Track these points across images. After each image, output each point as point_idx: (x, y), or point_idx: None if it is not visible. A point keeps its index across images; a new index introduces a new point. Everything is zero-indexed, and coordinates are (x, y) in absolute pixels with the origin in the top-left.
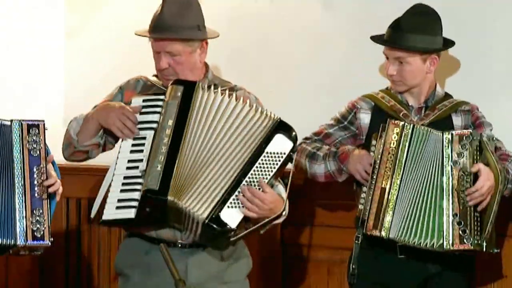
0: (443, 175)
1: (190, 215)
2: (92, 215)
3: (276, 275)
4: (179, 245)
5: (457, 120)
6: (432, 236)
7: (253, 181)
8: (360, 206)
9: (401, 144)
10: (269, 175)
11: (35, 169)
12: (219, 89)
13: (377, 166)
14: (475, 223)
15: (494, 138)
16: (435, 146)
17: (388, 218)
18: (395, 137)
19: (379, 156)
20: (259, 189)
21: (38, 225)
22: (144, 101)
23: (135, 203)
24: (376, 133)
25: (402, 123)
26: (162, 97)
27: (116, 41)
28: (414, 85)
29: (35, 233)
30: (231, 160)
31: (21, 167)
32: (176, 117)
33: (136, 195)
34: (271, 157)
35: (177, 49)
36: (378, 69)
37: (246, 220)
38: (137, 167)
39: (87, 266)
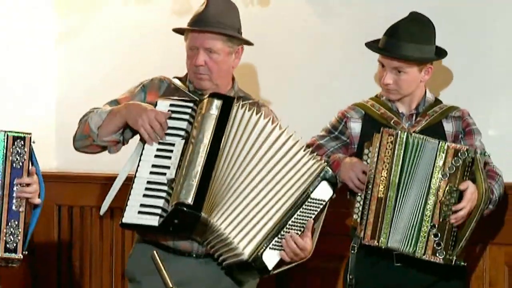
0: (430, 184)
1: (226, 242)
2: (102, 212)
3: (270, 284)
4: (194, 255)
5: (448, 126)
6: (410, 242)
7: (295, 226)
8: (355, 216)
9: (395, 153)
10: (307, 220)
11: (15, 181)
12: (263, 111)
13: (372, 176)
14: (451, 237)
15: (485, 153)
16: (429, 155)
17: (386, 228)
18: (389, 146)
19: (374, 166)
20: (301, 233)
21: (11, 237)
22: (171, 105)
23: (159, 211)
24: (368, 142)
25: (396, 131)
26: (191, 104)
27: (116, 41)
28: (408, 94)
29: (7, 245)
30: (276, 196)
31: (1, 178)
32: (213, 132)
33: (161, 202)
34: (313, 203)
35: (217, 46)
36: (373, 76)
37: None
38: (162, 173)
39: (80, 274)
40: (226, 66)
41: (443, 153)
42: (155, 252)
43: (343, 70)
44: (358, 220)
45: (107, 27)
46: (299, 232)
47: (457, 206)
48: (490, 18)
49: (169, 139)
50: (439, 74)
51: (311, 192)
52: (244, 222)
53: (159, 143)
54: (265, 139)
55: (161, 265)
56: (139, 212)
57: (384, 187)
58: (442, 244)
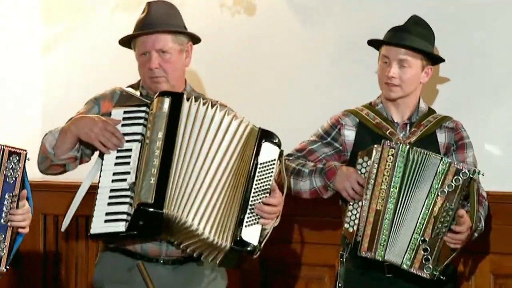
0: (426, 198)
1: (201, 237)
2: (63, 229)
3: None
4: (161, 261)
5: (441, 136)
6: (400, 253)
7: (259, 194)
8: (346, 225)
9: (396, 166)
10: (269, 183)
11: (7, 196)
12: (210, 101)
13: (370, 187)
14: (439, 254)
15: (479, 172)
16: (430, 169)
17: (383, 240)
18: (390, 159)
19: (374, 177)
20: (269, 194)
21: None
22: (125, 112)
23: (125, 216)
24: (362, 151)
25: (398, 145)
26: (143, 108)
27: (103, 49)
28: (408, 93)
29: None
30: (231, 177)
31: None
32: (166, 129)
33: (125, 208)
34: (265, 166)
35: (168, 44)
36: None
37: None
38: (123, 180)
39: (66, 283)
40: (180, 65)
41: (444, 169)
42: (140, 262)
43: (339, 72)
44: (350, 229)
45: (95, 34)
46: (267, 195)
47: (458, 228)
48: (490, 18)
49: (127, 145)
50: (439, 73)
51: (257, 158)
52: (209, 211)
53: (118, 151)
54: (211, 124)
55: (147, 276)
56: (106, 221)
57: (383, 199)
58: (430, 259)
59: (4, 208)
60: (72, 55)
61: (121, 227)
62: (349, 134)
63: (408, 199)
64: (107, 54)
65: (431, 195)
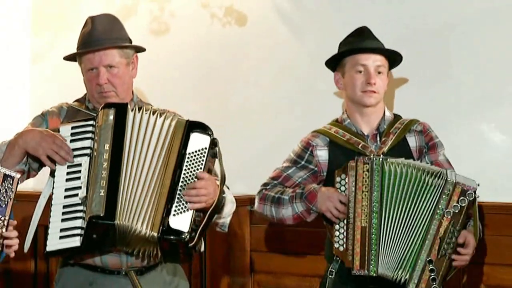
0: (432, 219)
1: (144, 237)
2: (26, 249)
3: None
4: (123, 273)
5: (411, 141)
6: (403, 271)
7: (189, 181)
8: (336, 244)
9: (374, 181)
10: (200, 171)
11: None
12: (151, 108)
13: (351, 205)
14: (445, 273)
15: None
16: (432, 190)
17: (374, 255)
18: (366, 175)
19: (353, 195)
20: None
21: None
22: (73, 128)
23: (79, 231)
24: (339, 169)
25: (371, 159)
26: (91, 122)
27: None
28: (381, 99)
29: None
30: (162, 173)
31: None
32: (112, 140)
33: (79, 222)
34: (195, 156)
35: (115, 60)
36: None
37: (196, 220)
38: (75, 195)
39: None
40: (128, 78)
41: (450, 190)
42: (131, 271)
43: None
44: (341, 249)
45: None
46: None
47: (464, 251)
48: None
49: (77, 160)
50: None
51: (185, 149)
52: (149, 212)
53: (68, 167)
54: (166, 133)
55: (138, 284)
56: (61, 237)
57: (366, 215)
58: (437, 279)
59: None
60: (60, 65)
61: (77, 242)
62: (322, 154)
63: (394, 210)
64: None
65: (437, 216)
